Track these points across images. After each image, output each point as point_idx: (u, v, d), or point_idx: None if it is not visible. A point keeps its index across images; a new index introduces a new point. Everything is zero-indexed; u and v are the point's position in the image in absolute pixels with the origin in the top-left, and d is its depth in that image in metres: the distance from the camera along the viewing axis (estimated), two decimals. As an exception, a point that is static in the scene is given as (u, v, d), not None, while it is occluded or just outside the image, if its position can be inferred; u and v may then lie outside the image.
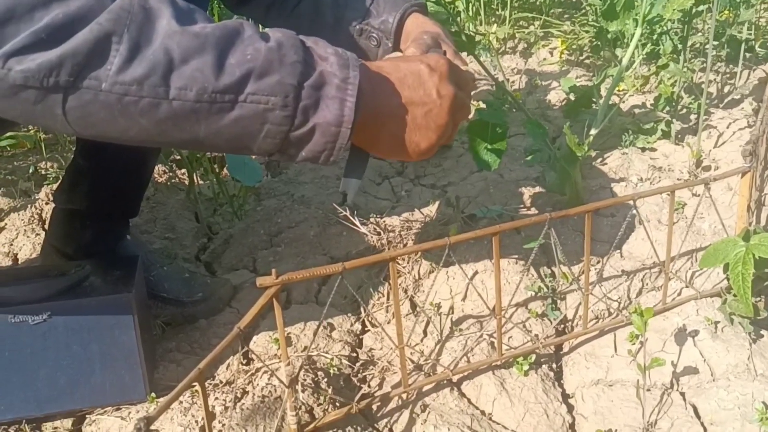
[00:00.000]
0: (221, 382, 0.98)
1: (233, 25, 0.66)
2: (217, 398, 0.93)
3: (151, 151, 1.12)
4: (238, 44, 0.64)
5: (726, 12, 1.92)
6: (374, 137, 0.75)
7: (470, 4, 2.31)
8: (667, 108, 1.70)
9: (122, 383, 0.93)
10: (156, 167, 1.49)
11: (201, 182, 1.56)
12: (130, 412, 0.93)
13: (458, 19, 1.81)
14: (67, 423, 0.93)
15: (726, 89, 1.86)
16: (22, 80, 0.59)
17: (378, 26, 0.98)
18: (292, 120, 0.66)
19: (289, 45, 0.66)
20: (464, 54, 1.21)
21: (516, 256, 1.21)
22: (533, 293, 1.14)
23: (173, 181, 1.61)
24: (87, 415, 0.94)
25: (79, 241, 1.11)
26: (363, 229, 1.34)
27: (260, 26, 1.57)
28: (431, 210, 1.44)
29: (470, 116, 0.85)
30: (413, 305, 1.16)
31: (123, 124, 0.63)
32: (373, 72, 0.73)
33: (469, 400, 0.96)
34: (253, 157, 1.49)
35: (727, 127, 1.63)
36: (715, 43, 1.91)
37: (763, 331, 1.01)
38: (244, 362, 1.02)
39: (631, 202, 0.99)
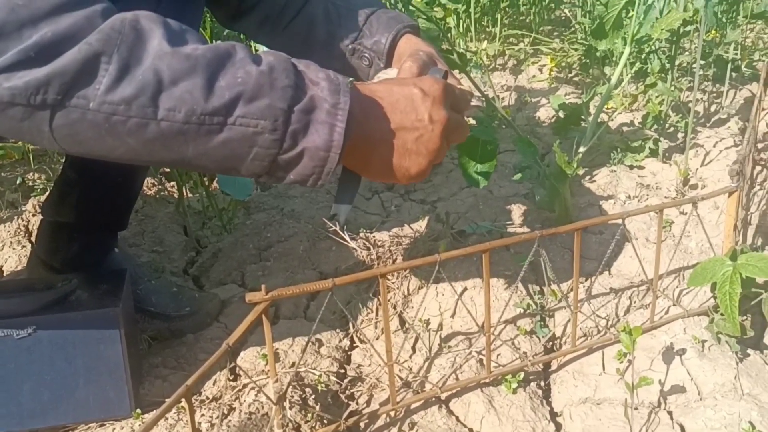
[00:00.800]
0: (208, 398, 0.97)
1: (225, 47, 0.66)
2: (203, 415, 0.92)
3: (141, 165, 1.11)
4: (229, 67, 0.64)
5: (713, 32, 1.95)
6: (364, 161, 0.75)
7: (461, 21, 2.32)
8: (655, 126, 1.71)
9: (107, 399, 0.92)
10: (145, 180, 1.48)
11: (190, 195, 1.55)
12: (114, 428, 0.92)
13: (449, 35, 1.83)
14: (51, 439, 0.92)
15: (713, 108, 1.88)
16: (9, 97, 0.59)
17: (370, 46, 0.98)
18: (281, 143, 0.66)
19: (281, 69, 0.66)
20: (456, 72, 1.22)
21: (505, 273, 1.21)
22: (522, 310, 1.14)
23: (162, 194, 1.60)
24: (71, 431, 0.92)
25: (66, 254, 1.10)
26: (352, 244, 1.34)
27: (252, 42, 1.57)
28: (421, 225, 1.45)
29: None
30: (402, 321, 1.16)
31: (110, 143, 0.63)
32: (364, 96, 0.73)
33: (457, 418, 0.96)
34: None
35: (714, 146, 1.64)
36: (702, 62, 1.93)
37: (749, 351, 1.02)
38: (231, 378, 1.01)
39: (620, 220, 1.00)
